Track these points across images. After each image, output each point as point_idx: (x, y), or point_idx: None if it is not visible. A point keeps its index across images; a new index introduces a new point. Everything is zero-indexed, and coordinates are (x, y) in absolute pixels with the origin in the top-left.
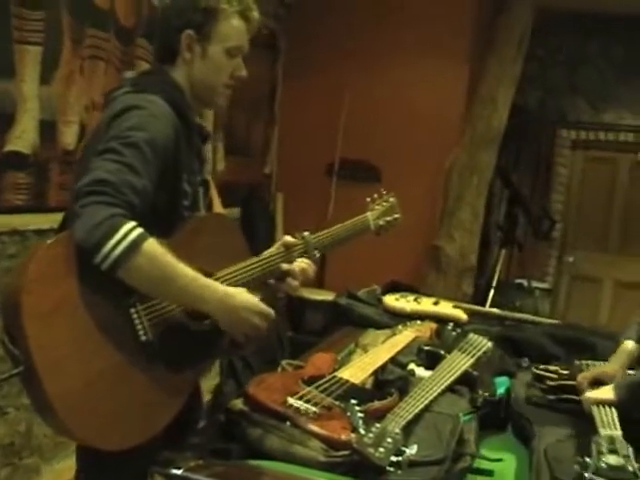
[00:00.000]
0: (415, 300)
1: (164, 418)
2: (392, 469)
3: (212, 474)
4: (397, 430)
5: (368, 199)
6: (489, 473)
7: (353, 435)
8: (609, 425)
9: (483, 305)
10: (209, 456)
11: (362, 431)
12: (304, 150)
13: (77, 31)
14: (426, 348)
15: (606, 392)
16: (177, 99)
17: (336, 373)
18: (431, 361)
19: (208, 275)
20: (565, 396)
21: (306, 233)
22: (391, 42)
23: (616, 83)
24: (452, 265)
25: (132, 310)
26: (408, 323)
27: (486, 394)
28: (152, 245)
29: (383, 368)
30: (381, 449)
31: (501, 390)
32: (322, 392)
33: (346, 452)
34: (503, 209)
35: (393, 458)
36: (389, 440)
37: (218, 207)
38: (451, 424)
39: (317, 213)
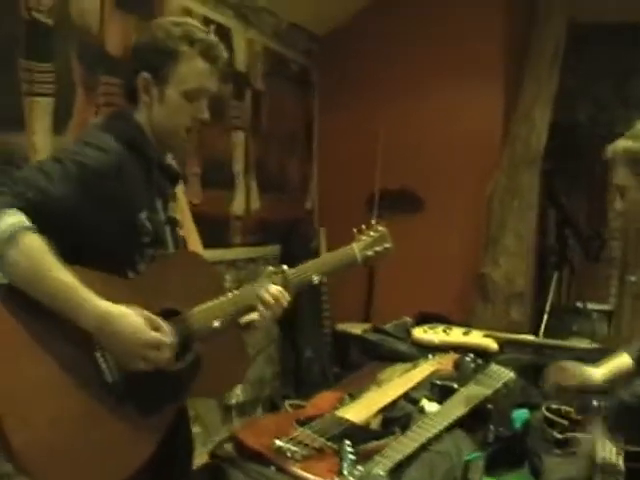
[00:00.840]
0: (444, 331)
1: (137, 460)
2: None
3: None
4: (381, 472)
5: (355, 229)
6: None
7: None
8: None
9: (537, 332)
10: None
11: (345, 473)
12: (344, 183)
13: (90, 79)
14: (438, 382)
15: None
16: (133, 138)
17: (337, 412)
18: (443, 395)
19: (175, 313)
20: (573, 450)
21: (285, 267)
22: (424, 67)
23: None
24: (499, 292)
25: (98, 352)
26: (430, 356)
27: (500, 429)
28: (32, 240)
29: (393, 405)
30: None
31: (518, 424)
32: (316, 432)
33: None
34: (554, 231)
35: None
36: None
37: (195, 245)
38: (449, 464)
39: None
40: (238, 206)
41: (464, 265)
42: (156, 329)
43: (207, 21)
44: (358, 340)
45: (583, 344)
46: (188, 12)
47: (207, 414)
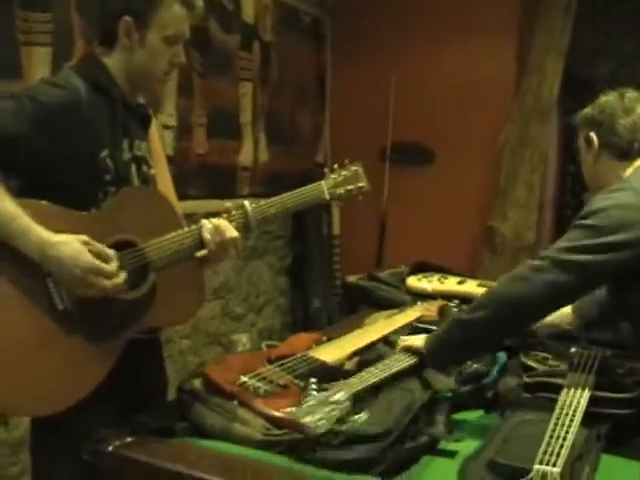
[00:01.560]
0: (439, 280)
1: (87, 385)
2: (330, 437)
3: (139, 451)
4: (343, 398)
5: (326, 169)
6: (452, 454)
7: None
8: (551, 455)
9: None
10: (151, 434)
11: (303, 404)
12: (356, 136)
13: (88, 30)
14: (420, 325)
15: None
16: (98, 77)
17: (309, 352)
18: None
19: (133, 244)
20: (542, 394)
21: (246, 202)
22: (437, 21)
23: None
24: (507, 245)
25: (48, 279)
26: (419, 303)
27: (475, 366)
28: None
29: (370, 347)
30: (317, 417)
31: (495, 368)
32: (284, 370)
33: (286, 430)
34: (570, 186)
35: (336, 427)
36: (329, 409)
37: (165, 186)
38: (409, 399)
39: (372, 197)
40: (245, 157)
41: (475, 217)
42: (98, 256)
43: None
44: (354, 288)
45: None
46: None
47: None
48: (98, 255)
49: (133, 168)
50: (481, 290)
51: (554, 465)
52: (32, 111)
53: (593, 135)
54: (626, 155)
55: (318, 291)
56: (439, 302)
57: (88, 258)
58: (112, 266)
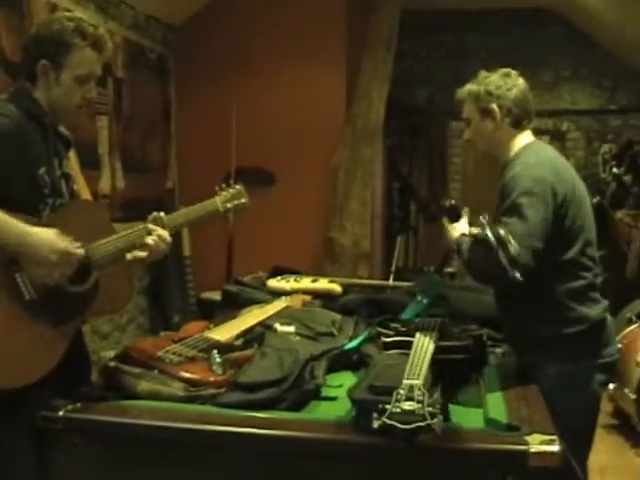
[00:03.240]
0: (295, 280)
1: (48, 363)
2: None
3: (88, 412)
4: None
5: (216, 187)
6: (333, 399)
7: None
8: (414, 375)
9: None
10: (91, 402)
11: (218, 371)
12: (202, 163)
13: None
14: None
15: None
16: (30, 108)
17: (204, 334)
18: None
19: None
20: (396, 351)
21: (162, 213)
22: (272, 52)
23: None
24: (346, 253)
25: (17, 274)
26: (283, 297)
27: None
28: None
29: (251, 330)
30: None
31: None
32: (188, 347)
33: (202, 388)
34: (397, 200)
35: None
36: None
37: (86, 195)
38: (294, 356)
39: (218, 220)
40: (105, 184)
41: (315, 231)
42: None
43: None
44: (222, 294)
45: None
46: (54, 6)
47: None
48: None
49: (63, 183)
50: (333, 285)
51: (417, 379)
52: None
53: (494, 106)
54: (520, 123)
55: (176, 308)
56: (301, 296)
57: (63, 243)
58: (79, 251)
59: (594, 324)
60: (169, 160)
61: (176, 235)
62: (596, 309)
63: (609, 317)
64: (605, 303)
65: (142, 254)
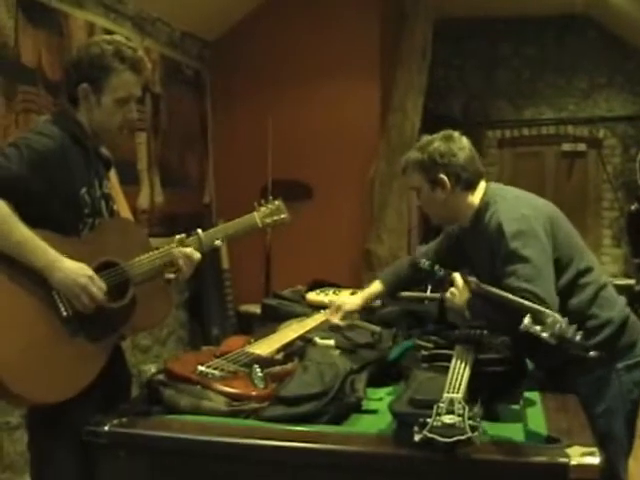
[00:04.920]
0: (334, 293)
1: (87, 377)
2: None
3: (133, 427)
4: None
5: (255, 203)
6: (374, 411)
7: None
8: (454, 388)
9: None
10: (135, 416)
11: (260, 385)
12: (239, 177)
13: (8, 89)
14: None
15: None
16: (73, 129)
17: (245, 348)
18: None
19: (115, 264)
20: (436, 364)
21: (199, 230)
22: (308, 66)
23: (532, 80)
24: (384, 265)
25: (54, 292)
26: (322, 311)
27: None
28: (1, 205)
29: (291, 344)
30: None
31: (396, 351)
32: (230, 362)
33: (245, 402)
34: None
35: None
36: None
37: (126, 214)
38: (335, 370)
39: (256, 234)
40: (144, 200)
41: (353, 243)
42: (89, 277)
43: (108, 33)
44: (261, 308)
45: None
46: (91, 26)
47: None
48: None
49: (103, 203)
50: None
51: (457, 393)
52: (28, 157)
53: (443, 176)
54: (473, 185)
55: (215, 321)
56: None
57: (86, 281)
58: (98, 286)
59: (619, 326)
60: (206, 174)
61: (215, 249)
62: (617, 308)
63: (632, 315)
64: (623, 299)
65: (171, 276)
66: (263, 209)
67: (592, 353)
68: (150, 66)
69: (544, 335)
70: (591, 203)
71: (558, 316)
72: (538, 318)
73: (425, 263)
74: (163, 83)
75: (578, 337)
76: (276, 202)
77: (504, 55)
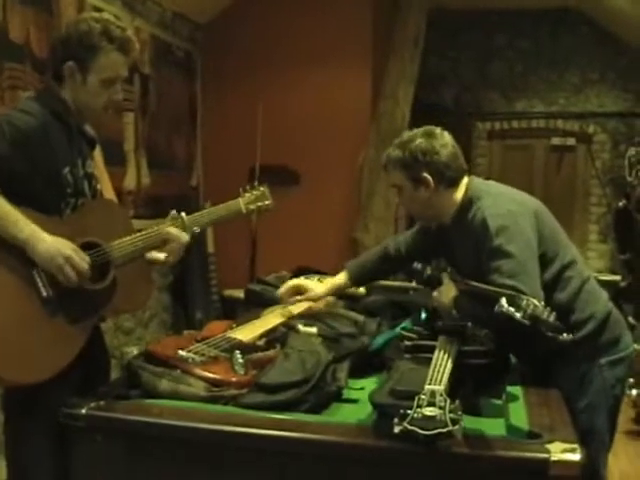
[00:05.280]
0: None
1: (65, 359)
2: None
3: (111, 410)
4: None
5: (240, 188)
6: (355, 401)
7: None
8: (436, 380)
9: None
10: (113, 400)
11: (240, 371)
12: (226, 160)
13: None
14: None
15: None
16: (56, 106)
17: (227, 334)
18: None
19: (97, 245)
20: (419, 355)
21: (183, 214)
22: (299, 51)
23: (525, 73)
24: None
25: (34, 271)
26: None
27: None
28: None
29: (274, 330)
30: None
31: (380, 340)
32: (211, 347)
33: (225, 388)
34: None
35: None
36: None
37: (110, 195)
38: (316, 358)
39: (242, 218)
40: (130, 181)
41: (339, 230)
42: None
43: (98, 11)
44: (245, 293)
45: None
46: (81, 3)
47: None
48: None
49: (86, 183)
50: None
51: (439, 385)
52: (9, 135)
53: (427, 175)
54: (457, 182)
55: (199, 305)
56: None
57: (68, 252)
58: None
59: (601, 321)
60: (194, 157)
61: (200, 232)
62: (600, 302)
63: (614, 310)
64: (605, 294)
65: (159, 256)
66: (247, 195)
67: (565, 335)
68: (138, 47)
69: (518, 315)
70: (579, 198)
71: (533, 299)
72: (513, 302)
73: (417, 265)
74: (153, 64)
75: (552, 318)
76: (261, 188)
77: (498, 47)
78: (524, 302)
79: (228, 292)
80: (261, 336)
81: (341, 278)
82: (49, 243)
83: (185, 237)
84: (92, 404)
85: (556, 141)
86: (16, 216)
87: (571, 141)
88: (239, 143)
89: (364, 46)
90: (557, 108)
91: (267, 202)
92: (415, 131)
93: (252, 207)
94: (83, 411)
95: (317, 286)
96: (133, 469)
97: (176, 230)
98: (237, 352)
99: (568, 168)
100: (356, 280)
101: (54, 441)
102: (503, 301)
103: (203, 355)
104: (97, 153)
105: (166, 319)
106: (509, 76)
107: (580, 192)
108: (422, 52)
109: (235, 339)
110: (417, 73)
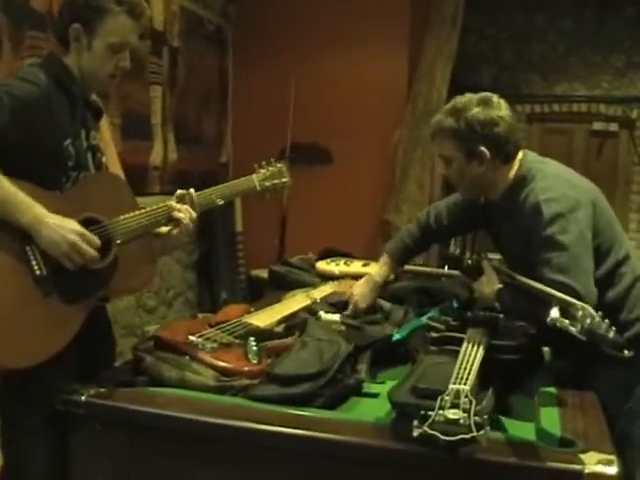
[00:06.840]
0: (345, 263)
1: (61, 342)
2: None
3: (112, 398)
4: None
5: (255, 164)
6: (375, 395)
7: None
8: (462, 379)
9: None
10: (115, 387)
11: (253, 360)
12: (257, 137)
13: (16, 34)
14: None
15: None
16: (59, 75)
17: (243, 319)
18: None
19: (98, 222)
20: (446, 347)
21: (192, 190)
22: (334, 28)
23: (566, 55)
24: None
25: (27, 248)
26: (330, 282)
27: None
28: None
29: (294, 315)
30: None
31: (406, 330)
32: (225, 332)
33: (235, 378)
34: None
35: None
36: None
37: (117, 169)
38: (335, 349)
39: (272, 197)
40: (156, 157)
41: (370, 212)
42: (78, 234)
43: None
44: (268, 275)
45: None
46: None
47: None
48: (82, 235)
49: (89, 155)
50: None
51: (464, 384)
52: (9, 105)
53: (484, 149)
54: (513, 157)
55: (225, 285)
56: (350, 281)
57: (73, 237)
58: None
59: None
60: (224, 133)
61: (228, 210)
62: None
63: None
64: None
65: (166, 228)
66: (263, 171)
67: (626, 352)
68: (149, 13)
69: (573, 330)
70: (620, 186)
71: (590, 309)
72: (567, 311)
73: (456, 250)
74: (182, 37)
75: (612, 334)
76: (278, 165)
77: (539, 27)
78: (579, 313)
79: (255, 272)
80: (279, 322)
81: (386, 262)
82: (52, 228)
83: (193, 214)
84: (92, 391)
85: (597, 126)
86: (17, 198)
87: (613, 126)
88: (270, 120)
89: (401, 23)
90: (600, 92)
91: (284, 180)
92: (469, 97)
93: (267, 184)
94: (82, 398)
95: (365, 294)
96: (133, 461)
97: (184, 207)
98: (251, 339)
99: (609, 154)
100: (400, 261)
101: (49, 427)
102: (555, 312)
103: (215, 341)
104: (104, 125)
105: (191, 298)
106: (550, 57)
107: (621, 180)
108: (460, 31)
109: (251, 324)
110: (455, 52)
